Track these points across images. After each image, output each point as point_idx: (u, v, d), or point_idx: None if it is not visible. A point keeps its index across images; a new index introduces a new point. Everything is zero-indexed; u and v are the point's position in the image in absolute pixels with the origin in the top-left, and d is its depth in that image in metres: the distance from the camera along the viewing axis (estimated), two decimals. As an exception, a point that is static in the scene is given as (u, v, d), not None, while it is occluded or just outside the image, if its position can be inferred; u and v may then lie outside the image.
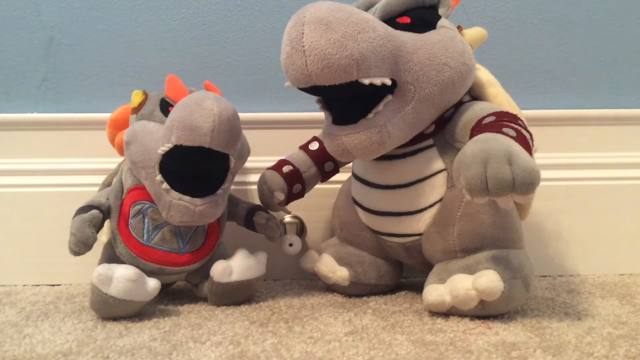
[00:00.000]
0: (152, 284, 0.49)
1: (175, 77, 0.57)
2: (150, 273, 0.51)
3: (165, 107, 0.55)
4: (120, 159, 0.59)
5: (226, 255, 0.55)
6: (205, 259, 0.55)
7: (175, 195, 0.50)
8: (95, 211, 0.51)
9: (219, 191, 0.52)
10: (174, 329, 0.46)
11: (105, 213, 0.53)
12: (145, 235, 0.52)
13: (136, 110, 0.57)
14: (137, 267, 0.50)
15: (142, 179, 0.52)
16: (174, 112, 0.49)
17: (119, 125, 0.59)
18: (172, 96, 0.56)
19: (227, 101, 0.49)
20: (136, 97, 0.57)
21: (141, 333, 0.45)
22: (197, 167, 0.50)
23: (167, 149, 0.49)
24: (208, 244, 0.55)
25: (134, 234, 0.52)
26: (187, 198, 0.50)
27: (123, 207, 0.53)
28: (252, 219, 0.58)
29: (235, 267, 0.53)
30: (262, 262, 0.55)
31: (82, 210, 0.51)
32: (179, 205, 0.50)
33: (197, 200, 0.50)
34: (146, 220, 0.53)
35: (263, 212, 0.59)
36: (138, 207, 0.53)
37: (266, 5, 0.71)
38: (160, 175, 0.50)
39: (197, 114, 0.46)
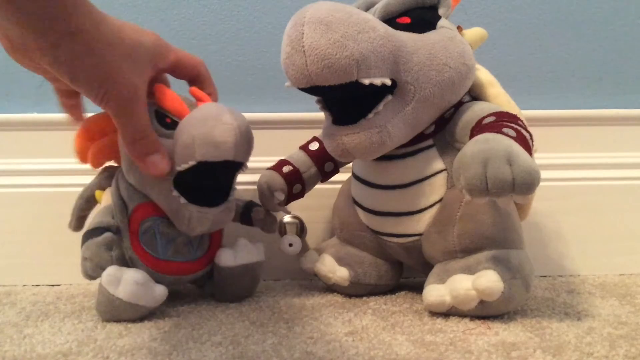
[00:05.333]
0: (159, 291, 0.50)
1: (164, 86, 0.53)
2: (169, 284, 0.51)
3: (162, 118, 0.52)
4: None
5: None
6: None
7: (193, 208, 0.50)
8: (108, 234, 0.51)
9: (231, 197, 0.53)
10: (174, 329, 0.46)
11: (116, 233, 0.52)
12: (160, 250, 0.52)
13: None
14: (156, 280, 0.50)
15: (152, 196, 0.52)
16: (192, 129, 0.47)
17: (91, 136, 0.54)
18: (167, 107, 0.52)
19: (239, 111, 0.49)
20: None
21: (141, 333, 0.45)
22: (218, 180, 0.51)
23: (190, 166, 0.48)
24: (214, 245, 0.56)
25: (148, 251, 0.52)
26: (205, 209, 0.50)
27: (131, 225, 0.52)
28: (250, 215, 0.59)
29: (238, 252, 0.55)
30: (261, 250, 0.57)
31: (91, 234, 0.51)
32: (199, 218, 0.50)
33: (214, 210, 0.51)
34: (158, 236, 0.52)
35: (259, 207, 0.59)
36: (148, 223, 0.52)
37: (266, 5, 0.71)
38: (176, 191, 0.50)
39: (219, 129, 0.46)
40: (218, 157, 0.47)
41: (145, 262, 0.51)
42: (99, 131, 0.55)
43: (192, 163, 0.48)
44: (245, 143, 0.48)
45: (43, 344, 0.43)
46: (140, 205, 0.52)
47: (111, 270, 0.48)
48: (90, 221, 0.54)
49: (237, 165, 0.50)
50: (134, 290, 0.48)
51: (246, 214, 0.59)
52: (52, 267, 0.65)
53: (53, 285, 0.65)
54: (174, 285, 0.53)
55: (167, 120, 0.52)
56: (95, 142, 0.55)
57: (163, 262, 0.52)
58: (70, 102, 0.50)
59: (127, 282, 0.48)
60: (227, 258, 0.54)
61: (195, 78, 0.53)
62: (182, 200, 0.50)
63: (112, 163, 0.57)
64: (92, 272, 0.49)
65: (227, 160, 0.47)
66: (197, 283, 0.57)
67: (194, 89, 0.54)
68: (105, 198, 0.55)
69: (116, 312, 0.48)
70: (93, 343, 0.43)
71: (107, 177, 0.57)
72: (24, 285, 0.65)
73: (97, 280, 0.49)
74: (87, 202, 0.58)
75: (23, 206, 0.66)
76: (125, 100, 0.42)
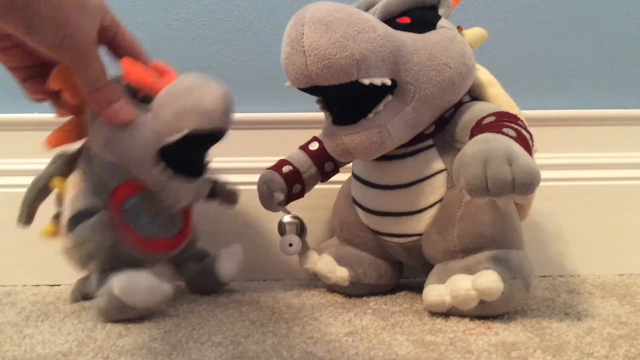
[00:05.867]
0: (167, 288, 0.50)
1: (130, 59, 0.51)
2: (155, 261, 0.53)
3: (135, 94, 0.51)
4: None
5: (197, 227, 0.59)
6: (190, 236, 0.57)
7: (179, 181, 0.50)
8: (100, 215, 0.50)
9: (208, 169, 0.54)
10: (174, 329, 0.46)
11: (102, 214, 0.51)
12: (143, 228, 0.52)
13: None
14: (138, 261, 0.51)
15: (135, 171, 0.51)
16: (179, 99, 0.47)
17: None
18: (138, 81, 0.51)
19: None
20: None
21: (141, 333, 0.45)
22: (206, 149, 0.52)
23: (178, 137, 0.48)
24: (187, 220, 0.56)
25: (133, 229, 0.51)
26: (189, 181, 0.51)
27: (113, 204, 0.51)
28: (213, 190, 0.60)
29: (237, 267, 0.58)
30: (241, 253, 0.59)
31: (79, 217, 0.49)
32: (186, 189, 0.51)
33: (198, 181, 0.52)
34: (142, 213, 0.52)
35: (221, 182, 0.61)
36: (132, 201, 0.51)
37: (266, 5, 0.71)
38: (163, 163, 0.49)
39: (207, 98, 0.47)
40: (209, 125, 0.47)
41: (130, 240, 0.51)
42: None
43: (183, 133, 0.47)
44: (230, 111, 0.49)
45: (43, 344, 0.43)
46: (124, 183, 0.51)
47: (124, 280, 0.47)
48: (72, 207, 0.51)
49: (222, 135, 0.50)
50: (151, 296, 0.48)
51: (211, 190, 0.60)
52: (52, 267, 0.65)
53: (53, 285, 0.65)
54: (159, 263, 0.54)
55: (139, 96, 0.51)
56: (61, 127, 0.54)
57: (145, 239, 0.52)
58: (27, 75, 0.48)
59: (144, 289, 0.48)
60: (228, 273, 0.57)
61: (134, 54, 0.51)
62: (169, 172, 0.50)
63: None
64: (88, 257, 0.49)
65: (218, 127, 0.48)
66: (176, 262, 0.58)
67: (157, 62, 0.53)
68: (72, 184, 0.53)
69: (127, 315, 0.48)
70: (93, 343, 0.43)
71: (67, 163, 0.55)
72: (24, 285, 0.65)
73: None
74: (40, 193, 0.56)
75: (23, 206, 0.66)
76: (82, 46, 0.42)
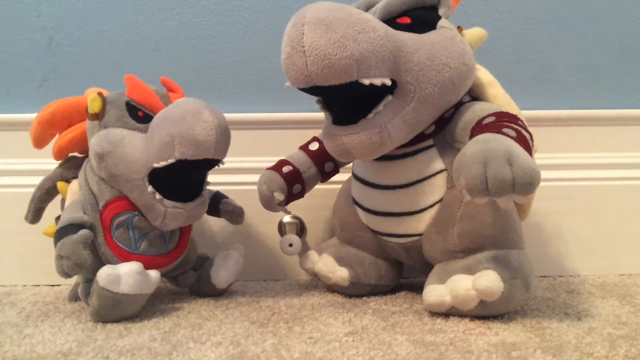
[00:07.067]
0: (154, 274, 0.50)
1: (135, 77, 0.53)
2: None
3: (134, 111, 0.52)
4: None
5: (195, 245, 0.59)
6: (185, 253, 0.56)
7: (169, 204, 0.50)
8: (85, 231, 0.48)
9: (204, 192, 0.53)
10: (174, 329, 0.46)
11: (90, 229, 0.50)
12: (132, 244, 0.52)
13: (98, 116, 0.52)
14: None
15: (125, 191, 0.51)
16: (170, 126, 0.47)
17: (55, 123, 0.54)
18: (140, 100, 0.52)
19: (216, 107, 0.49)
20: (96, 102, 0.52)
21: (141, 333, 0.45)
22: (196, 177, 0.52)
23: (169, 164, 0.48)
24: (184, 238, 0.56)
25: (120, 245, 0.51)
26: (180, 204, 0.51)
27: (103, 220, 0.51)
28: (217, 207, 0.60)
29: (232, 272, 0.57)
30: (242, 255, 0.59)
31: (66, 230, 0.48)
32: (174, 213, 0.51)
33: (189, 205, 0.52)
34: (131, 230, 0.52)
35: (227, 199, 0.61)
36: (122, 218, 0.51)
37: (266, 5, 0.71)
38: (151, 186, 0.50)
39: (199, 127, 0.46)
40: (198, 156, 0.47)
41: (119, 257, 0.51)
42: (64, 120, 0.54)
43: (171, 161, 0.48)
44: (224, 141, 0.49)
45: (43, 344, 0.43)
46: (113, 200, 0.51)
47: (108, 270, 0.47)
48: (62, 217, 0.52)
49: (215, 162, 0.50)
50: (137, 281, 0.48)
51: (213, 205, 0.60)
52: (52, 267, 0.64)
53: (53, 285, 0.65)
54: None
55: (139, 114, 0.52)
56: (60, 134, 0.54)
57: (136, 256, 0.51)
58: None
59: (128, 275, 0.47)
60: (226, 280, 0.56)
61: None
62: (158, 195, 0.50)
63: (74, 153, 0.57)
64: (70, 270, 0.47)
65: (206, 158, 0.48)
66: (170, 276, 0.58)
67: (165, 78, 0.53)
68: (71, 191, 0.54)
69: (121, 308, 0.48)
70: (93, 343, 0.43)
71: (70, 168, 0.56)
72: (24, 285, 0.65)
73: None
74: (47, 193, 0.57)
75: (23, 206, 0.66)
76: None
